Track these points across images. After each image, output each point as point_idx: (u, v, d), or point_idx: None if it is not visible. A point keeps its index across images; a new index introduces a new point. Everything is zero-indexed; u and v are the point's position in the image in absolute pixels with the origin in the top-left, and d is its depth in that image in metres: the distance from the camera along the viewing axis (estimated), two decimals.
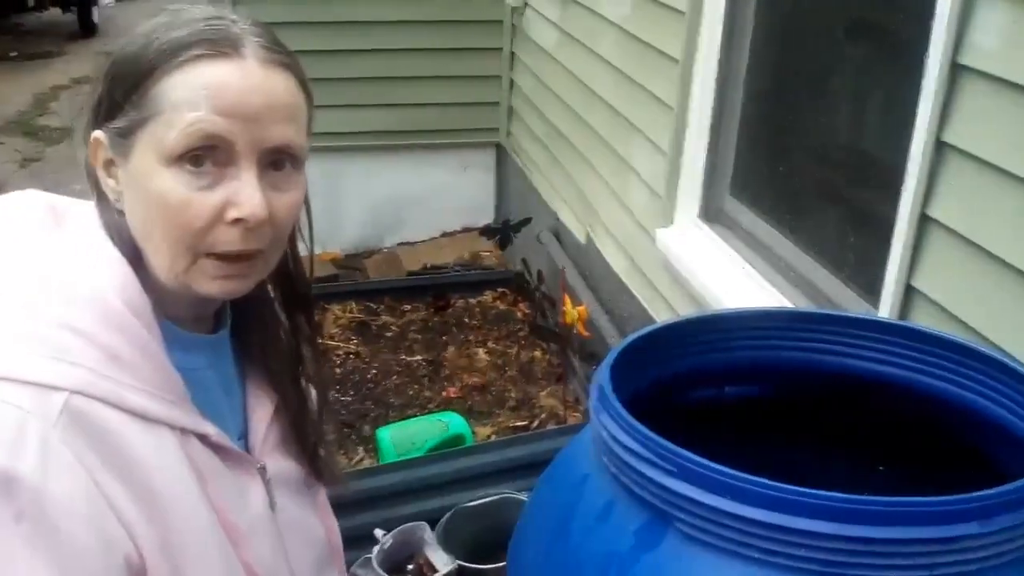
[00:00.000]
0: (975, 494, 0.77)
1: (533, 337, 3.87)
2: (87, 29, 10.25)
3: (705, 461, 0.81)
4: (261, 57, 0.85)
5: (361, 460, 3.12)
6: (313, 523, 1.08)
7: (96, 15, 10.45)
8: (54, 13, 10.45)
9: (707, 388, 1.21)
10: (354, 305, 4.16)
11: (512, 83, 4.71)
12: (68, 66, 9.03)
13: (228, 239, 0.85)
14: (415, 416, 3.21)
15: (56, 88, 8.37)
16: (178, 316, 0.91)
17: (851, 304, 2.08)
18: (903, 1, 2.01)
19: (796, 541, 0.77)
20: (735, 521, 0.79)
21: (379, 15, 4.51)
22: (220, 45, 0.84)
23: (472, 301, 4.25)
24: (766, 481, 0.78)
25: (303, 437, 1.05)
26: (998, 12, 1.55)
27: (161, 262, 0.86)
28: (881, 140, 2.16)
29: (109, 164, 0.88)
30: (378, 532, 2.31)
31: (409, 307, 4.20)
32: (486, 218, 4.92)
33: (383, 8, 4.51)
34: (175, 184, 0.83)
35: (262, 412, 1.01)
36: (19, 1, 10.19)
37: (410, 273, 4.57)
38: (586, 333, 3.20)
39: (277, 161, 0.87)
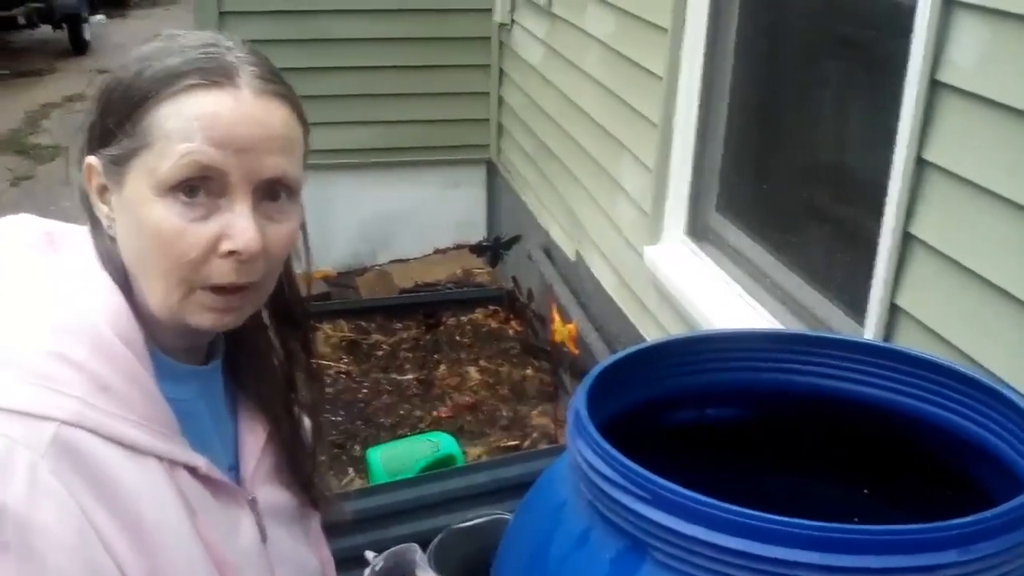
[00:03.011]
0: (954, 522, 0.76)
1: (525, 355, 3.86)
2: (78, 47, 10.27)
3: (680, 488, 0.80)
4: (256, 87, 0.84)
5: (351, 481, 3.10)
6: (306, 555, 1.07)
7: (87, 33, 10.47)
8: (45, 31, 10.46)
9: (689, 411, 1.20)
10: (345, 324, 4.16)
11: (501, 100, 4.72)
12: (59, 84, 9.03)
13: (222, 272, 0.84)
14: (406, 436, 3.20)
15: (47, 106, 8.37)
16: (170, 346, 0.90)
17: (837, 322, 2.08)
18: (883, 19, 2.02)
19: (773, 570, 0.76)
20: (711, 550, 0.78)
21: (367, 32, 4.54)
22: (214, 74, 0.83)
23: (463, 319, 4.25)
24: (741, 509, 0.77)
25: (296, 467, 1.04)
26: (976, 29, 1.56)
27: (154, 293, 0.86)
28: (864, 158, 2.17)
29: (103, 190, 0.88)
30: (369, 554, 2.29)
31: (400, 325, 4.20)
32: (478, 235, 4.93)
33: (371, 25, 4.53)
34: (168, 214, 0.82)
35: (253, 443, 1.00)
36: (10, 19, 10.18)
37: (402, 291, 4.57)
38: (576, 350, 3.20)
39: (272, 192, 0.86)
